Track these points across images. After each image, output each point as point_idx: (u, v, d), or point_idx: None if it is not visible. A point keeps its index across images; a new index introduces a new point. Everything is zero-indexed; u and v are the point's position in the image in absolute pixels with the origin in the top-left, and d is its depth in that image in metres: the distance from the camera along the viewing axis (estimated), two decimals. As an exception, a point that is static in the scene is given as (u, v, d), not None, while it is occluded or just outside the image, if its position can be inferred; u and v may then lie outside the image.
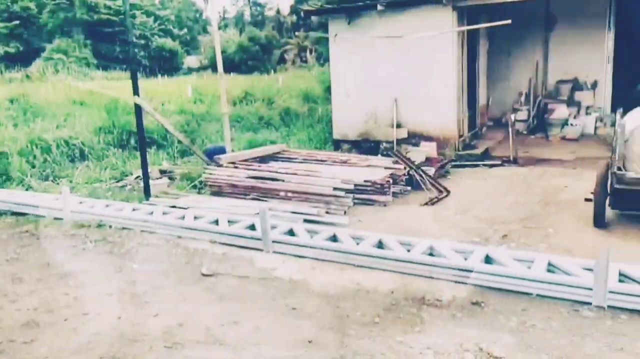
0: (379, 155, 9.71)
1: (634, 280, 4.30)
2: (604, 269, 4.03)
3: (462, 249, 5.16)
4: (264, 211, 5.62)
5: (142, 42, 39.93)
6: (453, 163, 9.67)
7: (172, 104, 16.49)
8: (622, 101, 10.23)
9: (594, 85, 12.14)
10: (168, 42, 43.57)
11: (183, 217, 6.69)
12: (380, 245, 5.45)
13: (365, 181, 7.37)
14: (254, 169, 8.24)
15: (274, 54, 44.38)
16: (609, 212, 6.08)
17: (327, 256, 5.38)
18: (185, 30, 52.42)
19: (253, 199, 7.62)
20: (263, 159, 9.15)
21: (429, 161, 9.24)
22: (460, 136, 10.71)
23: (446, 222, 6.58)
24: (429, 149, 9.75)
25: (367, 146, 11.16)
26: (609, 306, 4.10)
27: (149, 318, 4.31)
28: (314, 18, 12.17)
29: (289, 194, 7.43)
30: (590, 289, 4.16)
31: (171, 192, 8.30)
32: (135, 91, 7.77)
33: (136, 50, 36.31)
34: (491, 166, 9.60)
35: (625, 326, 3.88)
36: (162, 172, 9.68)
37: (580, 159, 9.56)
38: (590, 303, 4.16)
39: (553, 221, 6.33)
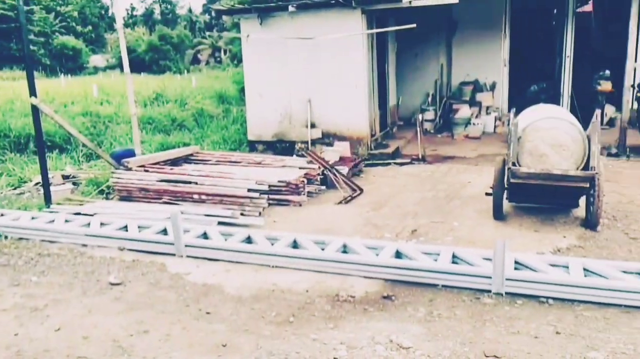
0: (294, 155, 9.76)
1: (528, 267, 4.65)
2: (501, 258, 4.33)
3: (373, 245, 5.31)
4: (175, 214, 5.47)
5: (42, 39, 37.36)
6: (366, 162, 9.94)
7: (76, 105, 15.58)
8: (517, 101, 11.05)
9: (493, 86, 12.98)
10: (71, 40, 41.11)
11: (88, 225, 6.35)
12: (295, 245, 5.49)
13: (279, 182, 7.38)
14: (165, 172, 7.98)
15: (187, 54, 43.27)
16: (507, 205, 6.54)
17: (242, 258, 5.34)
18: (90, 27, 49.69)
19: (165, 203, 7.38)
20: (175, 162, 8.89)
21: (342, 160, 9.43)
22: (372, 136, 11.03)
23: (359, 219, 6.75)
24: (342, 148, 9.95)
25: (282, 146, 11.19)
26: (506, 293, 4.40)
27: (50, 333, 4.04)
28: (227, 18, 11.90)
29: (203, 197, 7.28)
30: (490, 277, 4.44)
31: (75, 199, 7.84)
32: (32, 92, 7.26)
33: (34, 48, 33.98)
34: (401, 164, 9.98)
35: (521, 310, 4.18)
36: (66, 177, 9.11)
37: (482, 156, 10.18)
38: (490, 291, 4.44)
39: (458, 215, 6.69)
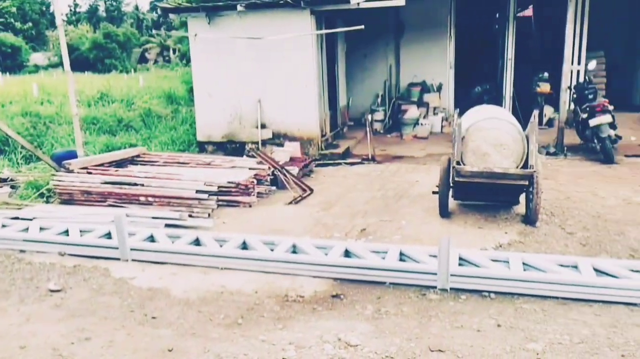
0: (244, 156, 9.67)
1: (471, 263, 4.80)
2: (445, 255, 4.44)
3: (323, 245, 5.34)
4: (120, 217, 5.31)
5: (-23, 36, 35.50)
6: (316, 162, 9.98)
7: (15, 105, 14.88)
8: (463, 102, 11.38)
9: (439, 87, 13.32)
10: (9, 37, 39.22)
11: (27, 229, 6.08)
12: (244, 246, 5.45)
13: (229, 183, 7.30)
14: (109, 174, 7.74)
15: (134, 53, 42.13)
16: (452, 203, 6.72)
17: (189, 261, 5.25)
18: (30, 24, 47.55)
19: (110, 206, 7.16)
20: (120, 164, 8.63)
21: (293, 160, 9.43)
22: (323, 136, 11.08)
23: (309, 219, 6.76)
24: (293, 149, 9.95)
25: (232, 147, 11.07)
26: (451, 288, 4.52)
27: (-16, 345, 3.84)
28: (174, 16, 11.66)
29: (150, 199, 7.11)
30: (435, 274, 4.55)
31: (13, 203, 7.48)
32: (-36, 90, 6.88)
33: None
34: (352, 164, 10.08)
35: (465, 305, 4.31)
36: (3, 180, 8.67)
37: (429, 156, 10.41)
38: (435, 287, 4.55)
39: (406, 214, 6.81)
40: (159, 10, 13.18)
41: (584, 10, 11.09)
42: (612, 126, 9.09)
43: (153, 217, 6.48)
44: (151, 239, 5.70)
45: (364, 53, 13.59)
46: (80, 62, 35.60)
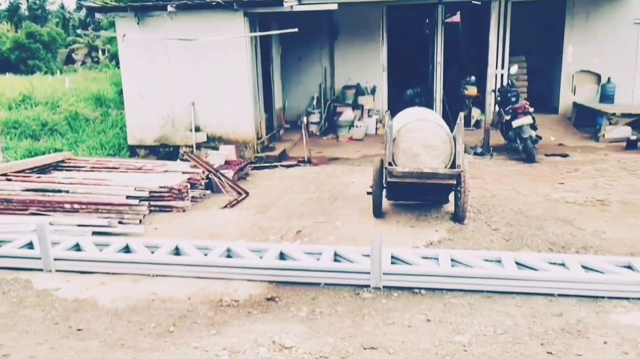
0: (178, 160, 9.47)
1: (403, 261, 4.93)
2: (378, 254, 4.54)
3: (258, 248, 5.31)
4: (42, 226, 5.05)
5: None
6: (252, 165, 9.92)
7: None
8: (396, 104, 11.68)
9: (373, 90, 13.57)
10: None
11: (-62, 242, 5.65)
12: (177, 252, 5.33)
13: (161, 187, 7.12)
14: (31, 181, 7.34)
15: (60, 53, 40.09)
16: (386, 203, 6.87)
17: (119, 269, 5.06)
18: (-59, 21, 44.24)
19: (32, 214, 6.78)
20: (43, 169, 8.20)
21: (228, 164, 9.32)
22: (259, 139, 11.02)
23: (245, 223, 6.71)
24: (228, 152, 9.84)
25: (165, 151, 10.80)
26: (384, 286, 4.62)
27: None
28: (101, 15, 11.21)
29: (76, 206, 6.79)
30: (368, 273, 4.64)
31: None
32: None
33: None
34: (288, 166, 10.09)
35: (397, 302, 4.42)
36: None
37: (365, 157, 10.59)
38: (369, 286, 4.64)
39: (341, 215, 6.90)
40: (85, 10, 12.61)
41: (506, 17, 11.67)
42: (533, 126, 9.62)
43: (79, 225, 6.20)
44: (77, 248, 5.45)
45: (299, 56, 13.63)
46: (1, 63, 33.52)
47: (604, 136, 10.86)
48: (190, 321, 4.15)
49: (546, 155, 9.90)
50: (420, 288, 4.58)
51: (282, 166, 10.11)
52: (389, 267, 4.72)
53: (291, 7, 9.96)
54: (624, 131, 10.64)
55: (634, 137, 10.27)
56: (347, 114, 12.93)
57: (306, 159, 10.30)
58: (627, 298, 4.30)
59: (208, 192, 7.99)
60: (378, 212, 6.60)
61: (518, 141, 9.71)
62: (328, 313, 4.25)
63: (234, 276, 4.89)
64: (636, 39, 11.81)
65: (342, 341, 3.80)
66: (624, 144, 10.32)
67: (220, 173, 8.22)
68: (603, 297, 4.33)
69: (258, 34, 10.74)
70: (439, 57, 12.87)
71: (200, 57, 10.32)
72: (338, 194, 7.92)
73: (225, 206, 7.41)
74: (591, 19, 12.08)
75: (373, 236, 4.63)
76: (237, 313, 4.30)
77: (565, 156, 9.84)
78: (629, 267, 4.66)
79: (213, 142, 10.64)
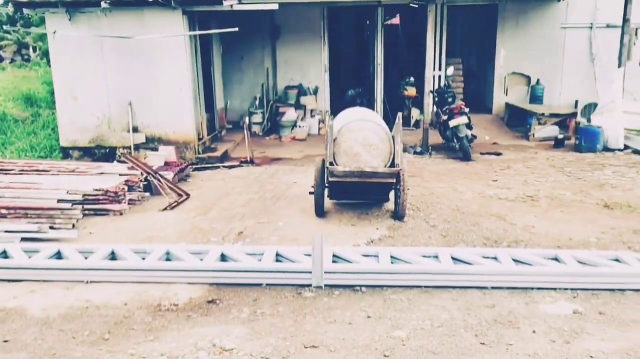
0: (115, 162, 9.16)
1: (344, 259, 4.98)
2: (319, 253, 4.57)
3: (198, 250, 5.23)
4: (-37, 233, 4.75)
5: None
6: (193, 166, 9.73)
7: None
8: (338, 104, 11.79)
9: (315, 90, 13.64)
10: None
11: None
12: (113, 256, 5.16)
13: (96, 190, 6.85)
14: (-47, 185, 6.88)
15: (-15, 50, 37.77)
16: (328, 203, 6.93)
17: (50, 276, 4.84)
18: None
19: (-47, 221, 6.36)
20: (-34, 173, 7.71)
21: (168, 165, 9.11)
22: (200, 139, 10.83)
23: (185, 225, 6.57)
24: (167, 153, 9.62)
25: (101, 152, 10.42)
26: (325, 285, 4.65)
27: None
28: (29, 11, 10.67)
29: (3, 211, 6.42)
30: (310, 272, 4.66)
31: None
32: None
33: None
34: (230, 167, 9.98)
35: (338, 300, 4.46)
36: None
37: (307, 157, 10.62)
38: (310, 285, 4.66)
39: (283, 215, 6.89)
40: (12, 5, 11.94)
41: (443, 20, 12.05)
42: (469, 126, 9.99)
43: (6, 231, 5.87)
44: (4, 255, 5.17)
45: (241, 55, 13.50)
46: None
47: (533, 135, 11.41)
48: (127, 328, 4.03)
49: (481, 154, 10.29)
50: (361, 286, 4.64)
51: (224, 166, 9.98)
52: (331, 266, 4.77)
53: (231, 6, 9.86)
54: (552, 130, 11.23)
55: (560, 136, 10.85)
56: (290, 114, 12.92)
57: (248, 159, 10.21)
58: (554, 289, 4.55)
59: (147, 194, 7.76)
60: (320, 212, 6.64)
61: (455, 140, 10.04)
62: (270, 313, 4.23)
63: (174, 279, 4.78)
64: (562, 42, 12.49)
65: (284, 341, 3.80)
66: (552, 142, 10.88)
67: (160, 175, 8.02)
68: (532, 288, 4.56)
69: (197, 32, 10.55)
70: (380, 59, 13.11)
71: (138, 56, 10.03)
72: (280, 194, 7.90)
73: (165, 208, 7.23)
74: (521, 23, 12.66)
75: (315, 236, 4.66)
76: (176, 317, 4.21)
77: (498, 154, 10.27)
78: (556, 259, 4.93)
79: (152, 143, 10.36)
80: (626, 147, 9.93)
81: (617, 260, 4.90)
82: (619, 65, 10.38)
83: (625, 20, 10.23)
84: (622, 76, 10.38)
